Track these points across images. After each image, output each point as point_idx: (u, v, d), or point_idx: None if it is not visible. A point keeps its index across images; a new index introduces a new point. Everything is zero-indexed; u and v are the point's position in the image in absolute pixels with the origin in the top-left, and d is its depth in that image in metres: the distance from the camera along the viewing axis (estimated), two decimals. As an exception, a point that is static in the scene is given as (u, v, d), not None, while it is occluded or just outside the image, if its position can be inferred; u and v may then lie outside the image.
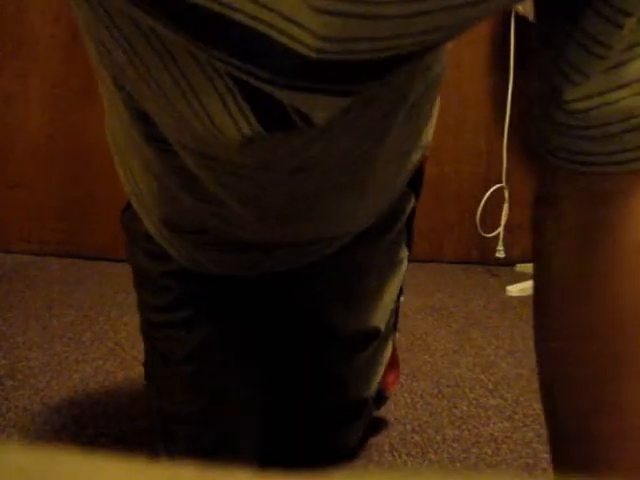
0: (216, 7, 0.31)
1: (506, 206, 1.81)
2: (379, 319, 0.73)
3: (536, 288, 0.46)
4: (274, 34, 0.32)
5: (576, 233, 0.42)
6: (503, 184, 1.80)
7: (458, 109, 1.86)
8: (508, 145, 1.76)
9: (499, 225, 1.82)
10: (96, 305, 1.35)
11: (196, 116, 0.41)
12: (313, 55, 0.33)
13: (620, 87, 0.38)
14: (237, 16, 0.32)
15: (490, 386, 1.02)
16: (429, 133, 0.63)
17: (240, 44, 0.33)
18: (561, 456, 0.44)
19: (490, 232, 1.83)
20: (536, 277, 0.46)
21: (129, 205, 0.66)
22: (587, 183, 0.41)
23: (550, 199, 0.44)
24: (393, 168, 0.58)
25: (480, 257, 1.91)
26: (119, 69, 0.43)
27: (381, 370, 0.77)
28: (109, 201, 1.69)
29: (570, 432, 0.43)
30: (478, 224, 1.81)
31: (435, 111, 0.62)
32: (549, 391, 0.45)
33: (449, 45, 0.52)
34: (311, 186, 0.51)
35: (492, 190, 1.80)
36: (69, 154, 1.79)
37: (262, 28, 0.32)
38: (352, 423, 0.76)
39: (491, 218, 1.84)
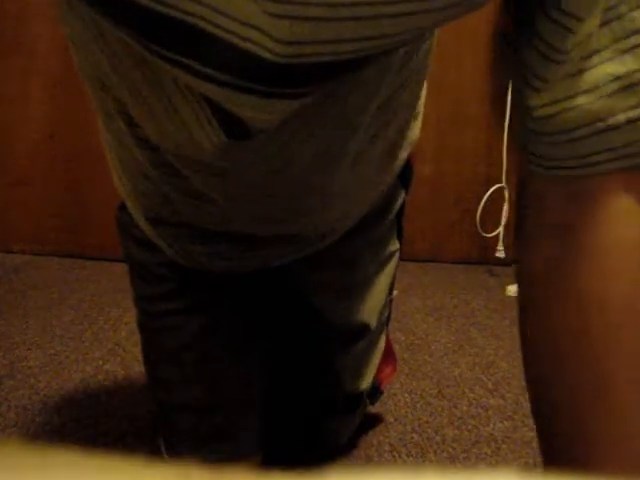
0: (173, 13, 0.32)
1: (506, 206, 1.81)
2: (371, 311, 0.73)
3: (520, 288, 0.46)
4: (235, 40, 0.33)
5: (558, 231, 0.42)
6: (503, 184, 1.80)
7: (458, 109, 1.86)
8: (508, 145, 1.76)
9: (499, 225, 1.82)
10: (96, 305, 1.35)
11: (175, 127, 0.42)
12: (275, 59, 0.33)
13: (585, 92, 0.38)
14: (199, 22, 0.32)
15: (490, 386, 1.02)
16: (416, 130, 0.63)
17: (202, 50, 0.34)
18: (552, 456, 0.44)
19: (490, 232, 1.83)
20: (519, 277, 0.46)
21: (124, 204, 0.67)
22: (563, 184, 0.41)
23: (533, 195, 0.44)
24: (377, 167, 0.58)
25: (480, 257, 1.91)
26: (105, 76, 0.45)
27: (375, 362, 0.78)
28: (109, 201, 1.68)
29: (560, 433, 0.43)
30: (478, 224, 1.81)
31: (421, 108, 0.63)
32: (537, 393, 0.46)
33: (427, 44, 0.53)
34: (290, 187, 0.51)
35: (492, 190, 1.80)
36: (69, 154, 1.79)
37: (223, 34, 0.32)
38: (347, 416, 0.77)
39: (491, 218, 1.84)
